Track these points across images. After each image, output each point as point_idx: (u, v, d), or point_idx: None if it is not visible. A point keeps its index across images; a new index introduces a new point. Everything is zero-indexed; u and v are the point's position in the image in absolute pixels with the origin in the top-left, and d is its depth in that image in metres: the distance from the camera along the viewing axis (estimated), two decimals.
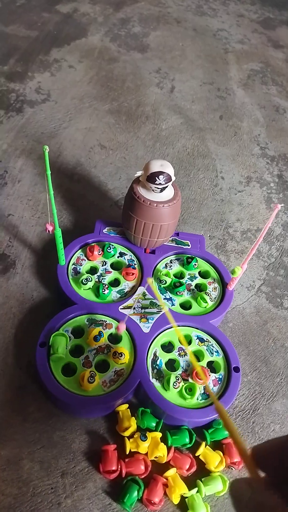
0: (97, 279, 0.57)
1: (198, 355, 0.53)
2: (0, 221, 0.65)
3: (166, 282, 0.58)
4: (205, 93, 0.97)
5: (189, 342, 0.53)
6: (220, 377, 0.51)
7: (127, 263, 0.59)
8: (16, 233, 0.64)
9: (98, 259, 0.59)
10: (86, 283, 0.55)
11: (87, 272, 0.58)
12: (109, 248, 0.59)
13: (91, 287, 0.56)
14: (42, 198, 0.69)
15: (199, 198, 0.75)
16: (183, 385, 0.48)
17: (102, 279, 0.57)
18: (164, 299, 0.56)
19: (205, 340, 0.53)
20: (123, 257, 0.60)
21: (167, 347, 0.53)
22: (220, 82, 1.01)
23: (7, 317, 0.55)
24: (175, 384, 0.48)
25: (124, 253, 0.60)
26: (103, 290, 0.55)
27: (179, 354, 0.51)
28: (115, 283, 0.58)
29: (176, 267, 0.60)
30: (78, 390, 0.47)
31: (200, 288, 0.59)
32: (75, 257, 0.59)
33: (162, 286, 0.58)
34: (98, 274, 0.57)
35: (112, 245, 0.59)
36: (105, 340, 0.51)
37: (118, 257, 0.60)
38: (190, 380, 0.49)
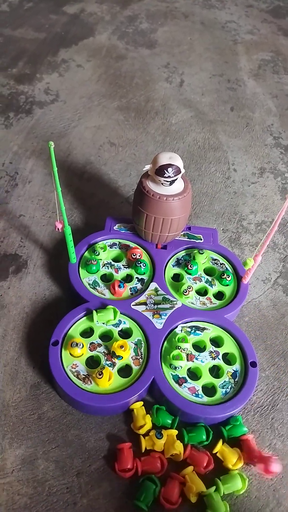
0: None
1: (218, 341, 0.52)
2: (12, 222, 0.66)
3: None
4: (215, 85, 0.95)
5: (204, 348, 0.52)
6: (238, 372, 0.50)
7: (125, 249, 0.59)
8: (28, 233, 0.65)
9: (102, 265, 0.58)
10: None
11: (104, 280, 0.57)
12: (95, 251, 0.58)
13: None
14: (53, 197, 0.69)
15: (211, 191, 0.74)
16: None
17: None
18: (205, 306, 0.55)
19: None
20: (114, 247, 0.60)
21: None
22: (230, 74, 1.00)
23: (20, 316, 0.55)
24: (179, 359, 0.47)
25: (114, 243, 0.60)
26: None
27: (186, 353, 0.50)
28: (127, 278, 0.58)
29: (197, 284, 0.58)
30: (92, 388, 0.47)
31: (210, 272, 0.59)
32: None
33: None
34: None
35: (99, 246, 0.58)
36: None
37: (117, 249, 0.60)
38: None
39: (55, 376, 0.47)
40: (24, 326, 0.54)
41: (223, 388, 0.48)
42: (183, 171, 0.52)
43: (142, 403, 0.48)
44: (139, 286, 0.56)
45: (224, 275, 0.57)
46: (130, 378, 0.48)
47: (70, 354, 0.48)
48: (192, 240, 0.61)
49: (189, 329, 0.52)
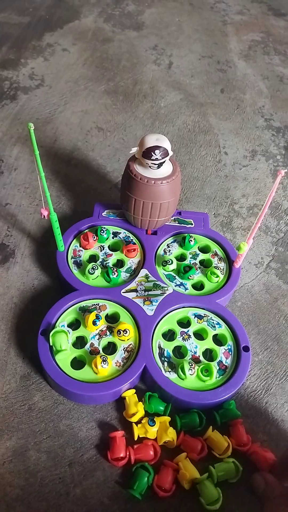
0: (101, 265, 0.55)
1: (201, 334, 0.51)
2: None
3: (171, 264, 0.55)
4: (205, 67, 0.93)
5: (188, 323, 0.51)
6: (230, 347, 0.49)
7: (125, 241, 0.57)
8: (15, 222, 0.63)
9: (94, 246, 0.57)
10: (94, 272, 0.53)
11: (88, 261, 0.56)
12: (102, 231, 0.57)
13: (99, 274, 0.54)
14: (40, 185, 0.67)
15: (202, 175, 0.72)
16: (198, 369, 0.46)
17: (106, 263, 0.55)
18: (175, 286, 0.54)
19: (203, 315, 0.51)
20: (118, 237, 0.58)
21: (168, 335, 0.51)
22: (219, 55, 0.97)
23: (9, 307, 0.54)
24: (190, 370, 0.46)
25: (118, 232, 0.58)
26: (113, 273, 0.53)
27: (183, 339, 0.49)
28: (119, 263, 0.56)
29: (175, 250, 0.58)
30: (82, 377, 0.46)
31: (205, 264, 0.57)
32: (71, 249, 0.56)
33: (170, 270, 0.55)
34: (100, 260, 0.56)
35: (104, 228, 0.57)
36: (104, 322, 0.50)
37: (113, 238, 0.58)
38: (201, 358, 0.48)
39: (44, 366, 0.46)
40: (13, 316, 0.53)
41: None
42: (171, 153, 0.50)
43: (134, 390, 0.47)
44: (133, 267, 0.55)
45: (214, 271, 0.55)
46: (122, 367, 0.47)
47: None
48: (182, 225, 0.60)
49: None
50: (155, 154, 0.49)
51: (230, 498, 0.42)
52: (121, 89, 0.85)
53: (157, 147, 0.49)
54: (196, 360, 0.48)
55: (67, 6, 1.08)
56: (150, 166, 0.51)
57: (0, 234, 0.61)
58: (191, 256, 0.57)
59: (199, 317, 0.51)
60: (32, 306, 0.54)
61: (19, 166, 0.70)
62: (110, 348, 0.49)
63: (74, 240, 0.57)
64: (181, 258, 0.58)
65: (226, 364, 0.48)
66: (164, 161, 0.51)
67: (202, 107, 0.84)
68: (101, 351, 0.48)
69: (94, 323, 0.48)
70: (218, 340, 0.51)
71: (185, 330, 0.50)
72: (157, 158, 0.50)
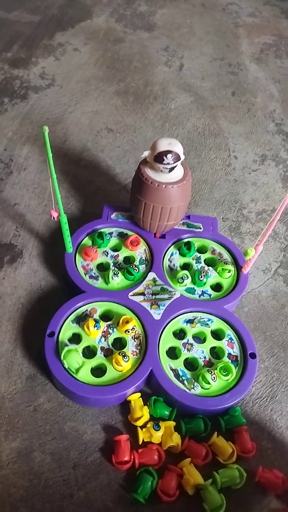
0: (115, 267, 0.55)
1: (199, 336, 0.51)
2: (7, 211, 0.64)
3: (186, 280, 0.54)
4: (216, 69, 0.93)
5: (183, 332, 0.51)
6: (230, 336, 0.50)
7: (123, 236, 0.58)
8: (23, 222, 0.63)
9: (99, 254, 0.56)
10: (117, 276, 0.53)
11: (101, 271, 0.55)
12: (99, 237, 0.56)
13: (122, 277, 0.54)
14: (48, 185, 0.68)
15: (211, 179, 0.72)
16: (217, 372, 0.47)
17: (119, 264, 0.55)
18: (199, 296, 0.54)
19: (193, 318, 0.51)
20: (115, 236, 0.58)
21: (173, 352, 0.50)
22: (231, 58, 0.97)
23: (16, 307, 0.54)
24: (212, 377, 0.46)
25: (111, 232, 0.58)
26: (134, 270, 0.54)
27: (188, 349, 0.49)
28: (129, 260, 0.57)
29: (179, 261, 0.56)
30: (88, 380, 0.46)
31: (211, 263, 0.57)
32: (80, 267, 0.55)
33: (186, 285, 0.54)
34: (111, 264, 0.55)
35: (100, 232, 0.57)
36: (104, 323, 0.50)
37: (109, 238, 0.58)
38: (212, 360, 0.49)
39: (51, 368, 0.46)
40: (20, 317, 0.53)
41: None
42: (182, 157, 0.50)
43: (139, 394, 0.47)
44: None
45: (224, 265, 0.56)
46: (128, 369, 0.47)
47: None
48: (191, 229, 0.60)
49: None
50: (167, 159, 0.49)
51: (234, 505, 0.42)
52: (132, 90, 0.85)
53: (169, 152, 0.49)
54: (209, 365, 0.48)
55: (79, 5, 1.08)
56: (161, 170, 0.51)
57: (8, 234, 0.62)
58: (195, 261, 0.57)
59: (190, 321, 0.51)
60: (39, 307, 0.55)
61: (28, 166, 0.70)
62: (118, 344, 0.49)
63: (77, 255, 0.56)
64: (186, 266, 0.57)
65: (235, 354, 0.49)
66: (176, 166, 0.51)
67: (213, 110, 0.84)
68: (116, 349, 0.48)
69: (96, 327, 0.48)
70: (217, 334, 0.51)
71: (185, 340, 0.50)
72: (169, 163, 0.49)
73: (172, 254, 0.57)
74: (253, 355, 0.48)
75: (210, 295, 0.54)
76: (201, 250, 0.58)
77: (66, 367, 0.46)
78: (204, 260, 0.57)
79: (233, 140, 0.79)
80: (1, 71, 0.86)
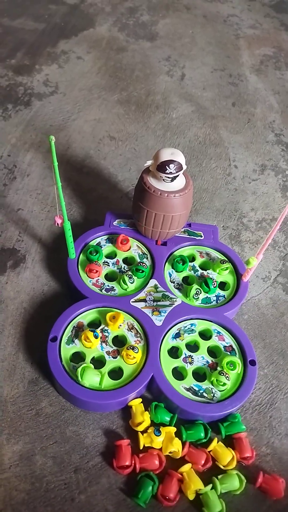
0: (126, 271, 0.56)
1: (191, 344, 0.52)
2: (10, 216, 0.65)
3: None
4: (217, 80, 0.95)
5: (177, 349, 0.51)
6: (216, 330, 0.52)
7: (113, 240, 0.59)
8: (26, 228, 0.64)
9: (103, 268, 0.57)
10: (133, 279, 0.54)
11: (111, 279, 0.56)
12: (92, 253, 0.56)
13: (135, 277, 0.55)
14: (51, 191, 0.69)
15: (211, 187, 0.73)
16: (226, 370, 0.48)
17: (124, 268, 0.57)
18: (215, 302, 0.55)
19: (178, 330, 0.51)
20: (105, 244, 0.59)
21: (178, 372, 0.50)
22: (232, 69, 0.99)
23: (18, 312, 0.55)
24: (226, 378, 0.47)
25: (100, 242, 0.59)
26: (143, 266, 0.56)
27: (190, 363, 0.49)
28: (128, 261, 0.59)
29: (179, 277, 0.57)
30: (111, 385, 0.47)
31: (204, 267, 0.59)
32: (91, 284, 0.54)
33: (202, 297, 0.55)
34: (118, 271, 0.57)
35: (90, 247, 0.57)
36: (100, 331, 0.50)
37: (103, 247, 0.58)
38: (214, 360, 0.50)
39: (53, 372, 0.46)
40: (22, 321, 0.54)
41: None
42: (184, 167, 0.51)
43: (140, 399, 0.48)
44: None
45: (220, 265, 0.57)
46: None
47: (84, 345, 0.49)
48: (192, 237, 0.61)
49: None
50: (170, 168, 0.50)
51: (233, 510, 0.42)
52: (134, 99, 0.87)
53: (172, 161, 0.50)
54: (214, 367, 0.49)
55: (82, 14, 1.10)
56: (164, 180, 0.52)
57: (11, 239, 0.62)
58: (193, 271, 0.57)
59: (177, 335, 0.51)
60: (41, 311, 0.55)
61: (31, 172, 0.71)
62: (119, 342, 0.51)
63: (82, 273, 0.56)
64: (186, 279, 0.58)
65: (228, 344, 0.51)
66: (178, 175, 0.52)
67: (213, 119, 0.85)
68: (119, 348, 0.49)
69: (95, 337, 0.48)
70: (204, 335, 0.52)
71: (183, 356, 0.50)
72: (171, 172, 0.50)
73: (170, 275, 0.57)
74: (253, 362, 0.49)
75: (224, 296, 0.55)
76: (189, 258, 0.59)
77: (88, 385, 0.46)
78: (199, 267, 0.58)
79: (233, 150, 0.80)
80: (5, 78, 0.88)
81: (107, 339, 0.50)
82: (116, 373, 0.48)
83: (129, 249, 0.58)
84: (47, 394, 0.49)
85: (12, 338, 0.53)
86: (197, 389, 0.47)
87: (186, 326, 0.52)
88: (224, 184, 0.74)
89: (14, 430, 0.46)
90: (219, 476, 0.43)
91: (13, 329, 0.53)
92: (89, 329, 0.50)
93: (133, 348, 0.48)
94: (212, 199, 0.71)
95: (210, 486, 0.42)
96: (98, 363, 0.49)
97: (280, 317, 0.58)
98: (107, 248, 0.58)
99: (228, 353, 0.50)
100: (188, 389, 0.47)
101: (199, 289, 0.55)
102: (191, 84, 0.93)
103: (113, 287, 0.55)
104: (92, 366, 0.47)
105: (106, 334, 0.50)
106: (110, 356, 0.49)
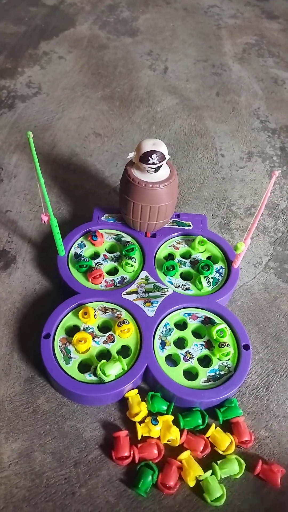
0: (119, 260, 0.57)
1: (181, 338, 0.51)
2: None
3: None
4: (200, 71, 0.95)
5: (176, 360, 0.50)
6: (185, 313, 0.52)
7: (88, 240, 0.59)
8: (15, 229, 0.64)
9: (103, 276, 0.56)
10: (129, 257, 0.56)
11: (114, 273, 0.56)
12: (82, 265, 0.55)
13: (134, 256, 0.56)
14: (39, 191, 0.68)
15: (199, 178, 0.73)
16: (217, 336, 0.49)
17: (116, 259, 0.57)
18: (214, 282, 0.55)
19: (160, 337, 0.51)
20: (88, 247, 0.58)
21: (192, 374, 0.49)
22: (214, 59, 0.99)
23: (11, 312, 0.55)
24: (227, 347, 0.48)
25: (81, 254, 0.58)
26: (131, 251, 0.56)
27: (191, 357, 0.49)
28: (113, 250, 0.59)
29: (176, 277, 0.56)
30: (85, 379, 0.46)
31: (186, 254, 0.59)
32: (104, 286, 0.55)
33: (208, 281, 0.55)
34: (114, 261, 0.57)
35: (80, 257, 0.57)
36: (83, 331, 0.50)
37: (87, 251, 0.58)
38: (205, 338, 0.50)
39: (48, 369, 0.47)
40: (15, 321, 0.54)
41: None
42: (167, 157, 0.51)
43: (137, 390, 0.48)
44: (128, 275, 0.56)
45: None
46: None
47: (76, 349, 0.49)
48: (181, 227, 0.60)
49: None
50: (152, 159, 0.50)
51: (234, 494, 0.43)
52: (118, 95, 0.87)
53: (154, 152, 0.50)
54: (210, 344, 0.50)
55: (62, 14, 1.10)
56: (147, 170, 0.52)
57: (1, 240, 0.62)
58: (183, 266, 0.57)
59: (163, 344, 0.50)
60: (34, 310, 0.55)
61: (18, 174, 0.71)
62: (105, 328, 0.51)
63: (72, 269, 0.56)
64: (186, 275, 0.57)
65: (203, 317, 0.52)
66: (161, 165, 0.52)
67: (198, 110, 0.85)
68: (109, 329, 0.51)
69: (84, 341, 0.48)
70: (180, 325, 0.53)
71: (183, 356, 0.49)
72: (154, 162, 0.50)
73: (171, 282, 0.55)
74: (246, 347, 0.49)
75: (222, 268, 0.57)
76: (171, 257, 0.59)
77: (115, 376, 0.46)
78: (182, 256, 0.58)
79: (220, 139, 0.80)
80: None
81: (94, 333, 0.50)
82: (124, 352, 0.49)
83: (103, 241, 0.58)
84: (44, 391, 0.49)
85: (6, 338, 0.53)
86: (214, 373, 0.48)
87: (162, 331, 0.51)
88: (211, 173, 0.74)
89: (12, 428, 0.46)
90: (219, 462, 0.43)
91: (6, 329, 0.53)
92: (77, 338, 0.48)
93: (123, 322, 0.49)
94: (200, 189, 0.71)
95: (210, 471, 0.43)
96: (104, 355, 0.49)
97: (273, 301, 0.58)
98: (88, 250, 0.58)
99: (210, 325, 0.51)
100: (208, 380, 0.47)
101: (205, 277, 0.55)
102: (174, 77, 0.93)
103: (122, 276, 0.55)
104: (103, 360, 0.47)
105: (90, 330, 0.50)
106: (109, 343, 0.49)
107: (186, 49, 1.01)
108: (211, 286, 0.55)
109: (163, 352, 0.49)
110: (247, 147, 0.79)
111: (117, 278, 0.55)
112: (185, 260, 0.58)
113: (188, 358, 0.49)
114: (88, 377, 0.47)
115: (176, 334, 0.51)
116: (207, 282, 0.55)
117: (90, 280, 0.54)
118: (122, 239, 0.59)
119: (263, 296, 0.58)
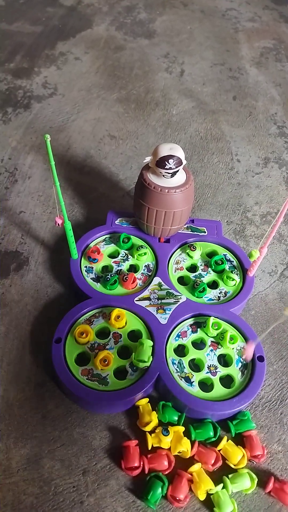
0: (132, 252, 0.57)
1: (196, 343, 0.51)
2: (12, 219, 0.65)
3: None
4: (217, 75, 0.94)
5: (190, 378, 0.48)
6: (191, 322, 0.52)
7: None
8: (28, 230, 0.64)
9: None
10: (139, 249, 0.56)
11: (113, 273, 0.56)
12: (106, 280, 0.54)
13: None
14: (53, 193, 0.68)
15: (214, 183, 0.72)
16: (227, 340, 0.49)
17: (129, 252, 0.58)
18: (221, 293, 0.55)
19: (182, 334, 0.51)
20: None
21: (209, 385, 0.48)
22: (231, 62, 0.98)
23: (23, 314, 0.55)
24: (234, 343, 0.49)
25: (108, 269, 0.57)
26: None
27: (213, 371, 0.48)
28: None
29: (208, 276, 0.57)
30: (96, 386, 0.46)
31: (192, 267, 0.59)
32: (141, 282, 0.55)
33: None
34: (127, 255, 0.58)
35: (90, 268, 0.56)
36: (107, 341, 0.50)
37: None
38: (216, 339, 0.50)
39: (58, 374, 0.46)
40: (27, 324, 0.54)
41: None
42: (184, 162, 0.51)
43: (147, 399, 0.47)
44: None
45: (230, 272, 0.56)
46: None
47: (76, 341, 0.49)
48: (195, 233, 0.60)
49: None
50: (169, 163, 0.49)
51: (245, 510, 0.42)
52: (133, 97, 0.86)
53: (171, 156, 0.49)
54: (215, 343, 0.50)
55: (80, 15, 1.09)
56: (163, 175, 0.51)
57: (14, 241, 0.62)
58: (204, 272, 0.57)
59: (188, 380, 0.48)
60: (46, 313, 0.55)
61: (33, 174, 0.71)
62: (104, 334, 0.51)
63: (85, 273, 0.56)
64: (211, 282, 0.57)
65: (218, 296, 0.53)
66: (178, 170, 0.51)
67: (214, 114, 0.84)
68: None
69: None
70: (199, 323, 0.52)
71: (207, 367, 0.48)
72: (170, 167, 0.50)
73: (210, 298, 0.54)
74: (261, 358, 0.48)
75: (234, 280, 0.56)
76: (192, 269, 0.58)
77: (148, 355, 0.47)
78: (190, 270, 0.58)
79: (236, 144, 0.79)
80: (4, 82, 0.88)
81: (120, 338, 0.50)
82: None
83: (102, 255, 0.57)
84: (54, 397, 0.48)
85: (17, 341, 0.52)
86: (235, 362, 0.49)
87: (175, 370, 0.48)
88: (227, 178, 0.73)
89: (21, 433, 0.45)
90: (230, 475, 0.42)
91: (18, 332, 0.53)
92: (78, 331, 0.49)
93: (119, 317, 0.50)
94: (215, 195, 0.70)
95: (221, 485, 0.42)
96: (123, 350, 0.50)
97: None
98: (98, 266, 0.56)
99: (202, 326, 0.51)
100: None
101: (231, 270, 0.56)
102: (191, 80, 0.92)
103: (144, 264, 0.57)
104: (147, 341, 0.48)
105: (118, 334, 0.50)
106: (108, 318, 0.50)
107: (202, 52, 1.00)
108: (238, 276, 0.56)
109: (174, 367, 0.48)
110: (264, 152, 0.78)
111: (143, 269, 0.56)
112: (200, 272, 0.57)
113: (211, 370, 0.48)
114: (100, 385, 0.46)
115: (185, 344, 0.50)
116: (236, 274, 0.56)
117: (130, 287, 0.54)
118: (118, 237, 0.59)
119: (278, 306, 0.57)
